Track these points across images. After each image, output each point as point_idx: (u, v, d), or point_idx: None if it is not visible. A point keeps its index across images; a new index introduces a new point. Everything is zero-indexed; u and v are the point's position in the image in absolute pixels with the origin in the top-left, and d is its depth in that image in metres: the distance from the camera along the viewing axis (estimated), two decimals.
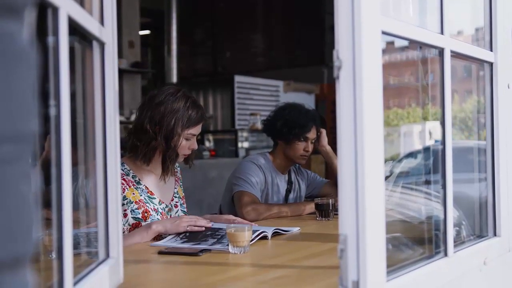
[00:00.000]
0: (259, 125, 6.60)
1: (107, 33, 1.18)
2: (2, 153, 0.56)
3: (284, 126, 2.63)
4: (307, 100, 7.19)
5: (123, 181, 2.00)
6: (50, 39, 0.85)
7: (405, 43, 1.39)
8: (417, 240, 1.52)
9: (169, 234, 1.88)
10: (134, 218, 1.99)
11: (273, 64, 9.06)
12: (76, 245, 0.96)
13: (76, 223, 1.03)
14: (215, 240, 1.80)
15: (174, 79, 7.69)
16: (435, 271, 1.30)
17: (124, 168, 2.05)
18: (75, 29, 0.97)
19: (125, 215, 1.98)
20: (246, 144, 6.69)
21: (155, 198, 2.08)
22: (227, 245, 1.67)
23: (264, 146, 6.53)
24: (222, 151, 6.67)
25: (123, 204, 1.98)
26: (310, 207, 2.48)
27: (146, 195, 2.06)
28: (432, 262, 1.31)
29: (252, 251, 1.69)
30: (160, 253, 1.69)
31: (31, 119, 0.60)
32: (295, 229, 2.07)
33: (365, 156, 1.00)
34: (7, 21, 0.57)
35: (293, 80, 7.90)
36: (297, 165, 2.81)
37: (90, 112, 1.17)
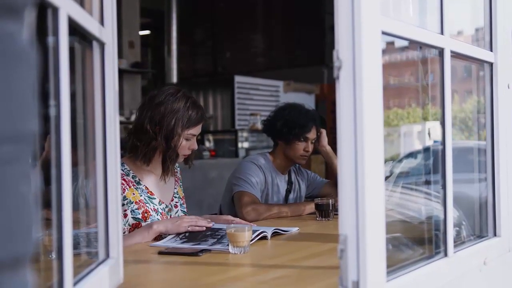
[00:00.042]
0: (259, 125, 6.60)
1: (107, 33, 1.18)
2: (2, 153, 0.56)
3: (284, 126, 2.63)
4: (307, 100, 7.19)
5: (123, 181, 2.01)
6: (50, 39, 0.85)
7: (405, 43, 1.39)
8: (417, 240, 1.52)
9: (170, 234, 1.88)
10: (134, 218, 1.99)
11: (273, 64, 9.06)
12: (76, 245, 0.96)
13: (76, 223, 1.03)
14: (215, 240, 1.80)
15: (174, 79, 7.70)
16: (435, 271, 1.30)
17: (124, 169, 2.05)
18: (75, 29, 0.97)
19: (125, 215, 1.98)
20: (246, 144, 6.69)
21: (155, 198, 2.08)
22: (227, 245, 1.67)
23: (264, 146, 6.53)
24: (222, 151, 6.67)
25: (123, 205, 1.98)
26: (310, 207, 2.48)
27: (146, 195, 2.06)
28: (432, 262, 1.31)
29: (252, 251, 1.69)
30: (160, 253, 1.69)
31: (31, 119, 0.60)
32: (294, 229, 2.08)
33: (365, 156, 1.00)
34: (7, 21, 0.57)
35: (293, 80, 7.89)
36: (297, 165, 2.81)
37: (90, 112, 1.17)
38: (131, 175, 2.06)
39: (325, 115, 6.77)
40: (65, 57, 0.87)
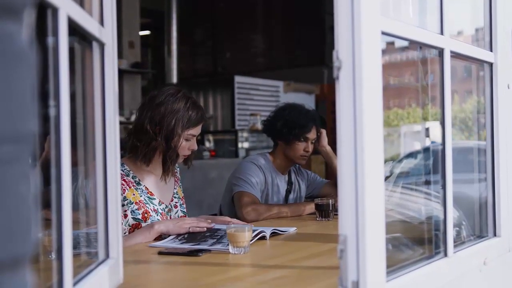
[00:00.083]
0: (259, 126, 6.60)
1: (107, 33, 1.18)
2: (2, 153, 0.56)
3: (284, 127, 2.63)
4: (307, 101, 7.19)
5: (123, 181, 2.01)
6: (50, 40, 0.85)
7: (405, 43, 1.39)
8: (417, 240, 1.52)
9: (170, 235, 1.88)
10: (134, 218, 2.00)
11: (273, 64, 9.06)
12: (75, 246, 0.96)
13: (76, 223, 1.03)
14: (215, 240, 1.80)
15: (174, 79, 7.69)
16: (435, 271, 1.30)
17: (124, 169, 2.05)
18: (75, 29, 0.97)
19: (125, 216, 1.98)
20: (246, 145, 6.69)
21: (155, 198, 2.08)
22: (227, 245, 1.67)
23: (264, 146, 6.53)
24: (222, 151, 6.67)
25: (123, 205, 1.98)
26: (310, 208, 2.48)
27: (146, 195, 2.06)
28: (432, 262, 1.31)
29: (252, 251, 1.69)
30: (160, 253, 1.69)
31: (31, 119, 0.60)
32: (292, 229, 2.08)
33: (365, 156, 1.00)
34: (6, 21, 0.57)
35: (293, 80, 7.90)
36: (297, 165, 2.81)
37: (90, 113, 1.17)
38: (131, 175, 2.06)
39: (325, 115, 6.76)
40: (65, 57, 0.87)
